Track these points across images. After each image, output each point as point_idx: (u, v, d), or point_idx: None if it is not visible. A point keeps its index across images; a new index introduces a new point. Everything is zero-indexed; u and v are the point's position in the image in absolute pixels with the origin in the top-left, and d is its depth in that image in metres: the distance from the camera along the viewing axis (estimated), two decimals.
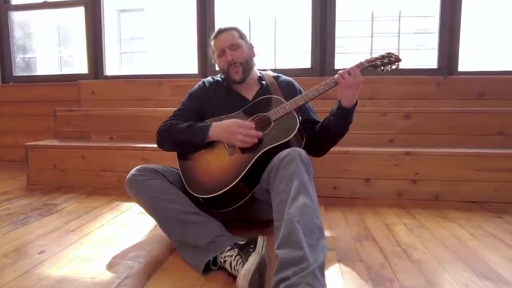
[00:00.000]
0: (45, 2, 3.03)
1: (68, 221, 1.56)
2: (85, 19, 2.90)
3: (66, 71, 2.96)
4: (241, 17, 2.98)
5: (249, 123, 1.30)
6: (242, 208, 1.30)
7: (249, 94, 1.49)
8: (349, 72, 1.27)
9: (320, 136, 1.40)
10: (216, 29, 1.49)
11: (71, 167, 2.18)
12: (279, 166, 1.11)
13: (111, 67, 3.10)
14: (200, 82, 1.56)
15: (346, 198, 1.92)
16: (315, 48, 2.69)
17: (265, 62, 2.87)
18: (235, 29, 1.47)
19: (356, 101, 1.30)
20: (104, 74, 2.97)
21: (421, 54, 2.83)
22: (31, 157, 2.22)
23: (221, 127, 1.30)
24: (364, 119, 2.11)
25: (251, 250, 1.04)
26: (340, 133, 1.38)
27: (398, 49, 2.76)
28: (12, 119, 3.02)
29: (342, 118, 1.31)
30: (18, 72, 3.31)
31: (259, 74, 1.55)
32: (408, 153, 1.90)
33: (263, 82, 1.52)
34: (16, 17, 3.29)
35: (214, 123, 1.33)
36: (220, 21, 2.80)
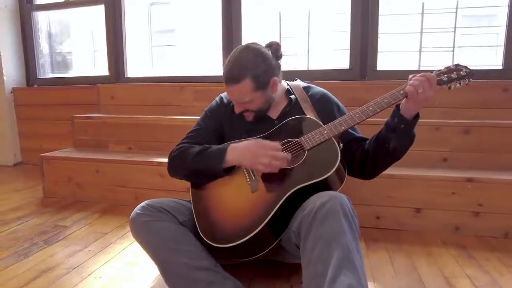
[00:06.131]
0: (67, 1, 2.92)
1: (72, 253, 1.40)
2: (105, 19, 2.74)
3: (101, 71, 2.89)
4: (271, 12, 2.69)
5: (274, 143, 1.05)
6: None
7: (274, 112, 1.23)
8: (423, 85, 0.98)
9: (375, 157, 1.12)
10: (224, 68, 1.12)
11: (85, 181, 2.05)
12: (314, 221, 0.86)
13: (141, 62, 2.96)
14: (217, 98, 1.33)
15: (391, 230, 1.63)
16: (354, 46, 2.36)
17: (297, 62, 2.58)
18: (249, 76, 1.08)
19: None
20: (126, 76, 2.82)
21: (482, 52, 2.41)
22: (46, 169, 2.11)
23: (241, 149, 1.07)
24: None
25: None
26: (405, 151, 1.12)
27: (453, 47, 2.36)
28: (37, 123, 2.96)
29: (406, 133, 1.05)
30: (55, 70, 3.26)
31: (286, 87, 1.29)
32: (469, 179, 1.56)
33: (292, 96, 1.25)
34: (53, 15, 3.22)
35: (232, 145, 1.10)
36: (247, 17, 2.53)
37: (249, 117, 1.19)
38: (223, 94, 1.33)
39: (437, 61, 2.40)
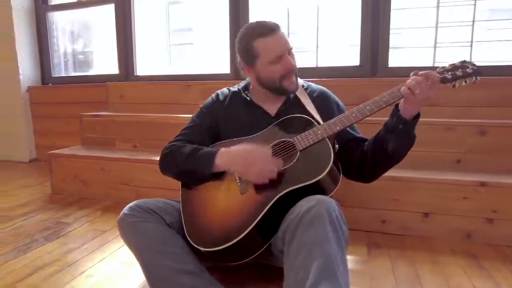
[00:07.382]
0: (79, 1, 2.96)
1: (69, 251, 1.40)
2: (115, 17, 2.77)
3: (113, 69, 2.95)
4: (279, 8, 2.64)
5: (266, 149, 1.01)
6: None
7: (272, 108, 1.20)
8: (420, 85, 0.91)
9: (373, 159, 1.06)
10: (258, 24, 1.11)
11: (90, 179, 2.07)
12: (298, 226, 0.81)
13: (160, 60, 2.96)
14: (213, 95, 1.30)
15: (396, 235, 1.55)
16: (365, 42, 2.27)
17: (306, 59, 2.54)
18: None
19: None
20: (135, 74, 2.84)
21: (503, 47, 2.27)
22: (54, 166, 2.15)
23: (231, 155, 1.03)
24: (422, 134, 1.68)
25: None
26: (405, 153, 1.06)
27: (471, 41, 2.23)
28: (50, 120, 3.04)
29: (405, 134, 0.99)
30: (77, 69, 3.34)
31: None
32: (483, 184, 1.46)
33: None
34: (74, 15, 3.28)
35: (221, 149, 1.05)
36: (255, 13, 2.49)
37: (293, 82, 1.13)
38: (220, 91, 1.30)
39: (454, 57, 2.27)
